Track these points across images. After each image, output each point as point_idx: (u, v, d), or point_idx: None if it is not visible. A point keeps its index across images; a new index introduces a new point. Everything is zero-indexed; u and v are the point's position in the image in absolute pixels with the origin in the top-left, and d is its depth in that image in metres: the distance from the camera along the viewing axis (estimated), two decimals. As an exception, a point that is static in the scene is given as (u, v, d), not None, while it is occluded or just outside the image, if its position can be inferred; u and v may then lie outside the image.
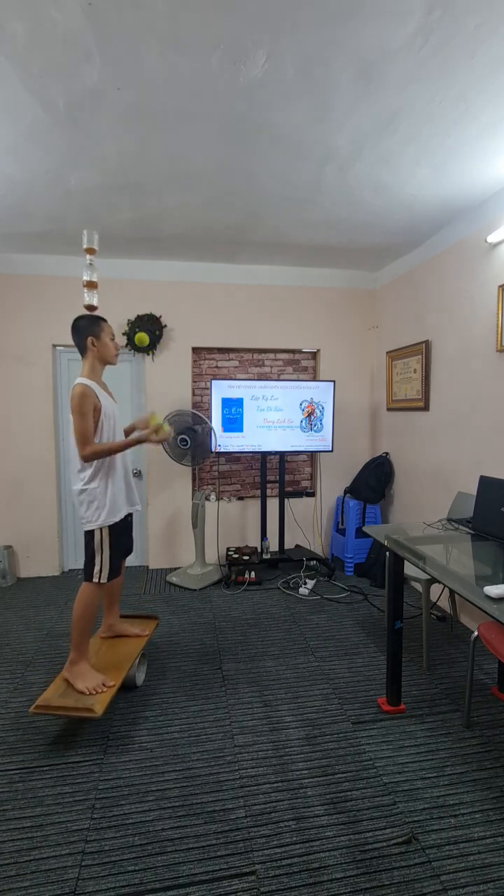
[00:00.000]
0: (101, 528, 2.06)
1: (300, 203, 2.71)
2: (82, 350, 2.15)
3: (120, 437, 2.22)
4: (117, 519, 2.12)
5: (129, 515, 2.30)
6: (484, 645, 1.97)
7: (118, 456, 2.16)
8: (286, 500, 4.02)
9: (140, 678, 2.29)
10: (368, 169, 2.33)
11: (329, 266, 3.89)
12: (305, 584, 3.50)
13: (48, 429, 3.71)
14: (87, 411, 1.98)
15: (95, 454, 1.99)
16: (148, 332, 3.68)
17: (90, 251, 2.19)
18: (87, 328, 2.12)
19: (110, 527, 2.09)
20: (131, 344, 3.69)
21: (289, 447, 3.73)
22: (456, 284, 3.00)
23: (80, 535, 3.80)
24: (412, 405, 3.50)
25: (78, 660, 2.03)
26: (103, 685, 1.98)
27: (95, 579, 2.06)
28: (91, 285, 2.20)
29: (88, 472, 2.06)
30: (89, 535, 2.08)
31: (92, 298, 2.22)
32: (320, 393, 3.72)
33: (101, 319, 2.16)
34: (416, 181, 2.45)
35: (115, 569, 2.15)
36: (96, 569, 2.06)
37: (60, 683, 2.00)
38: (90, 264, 2.19)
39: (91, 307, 2.22)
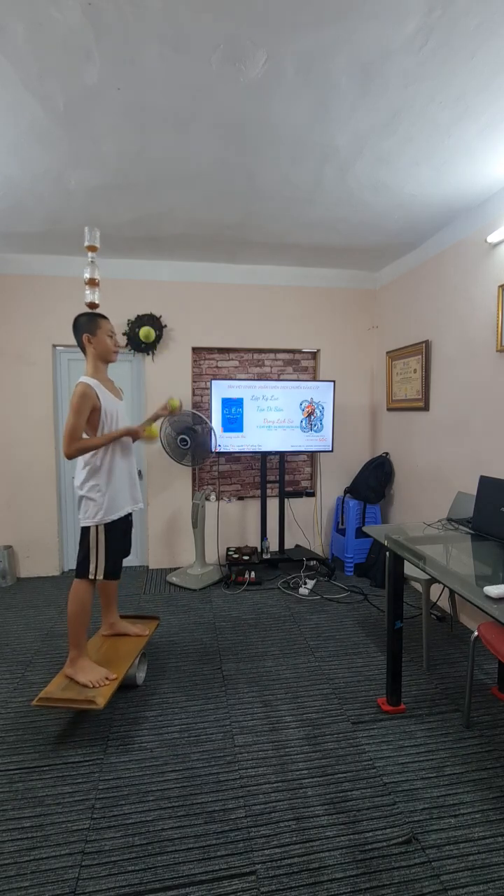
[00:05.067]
0: (96, 526, 2.07)
1: (300, 203, 2.71)
2: (82, 348, 2.15)
3: None
4: (116, 517, 2.12)
5: (130, 515, 2.29)
6: (484, 645, 1.97)
7: (125, 454, 2.17)
8: (286, 500, 4.02)
9: (140, 677, 2.29)
10: (368, 169, 2.33)
11: (329, 266, 3.89)
12: (305, 584, 3.50)
13: (48, 429, 3.71)
14: (83, 410, 1.98)
15: (81, 450, 1.98)
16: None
17: (92, 248, 2.19)
18: (83, 326, 2.12)
19: (107, 525, 2.09)
20: (133, 343, 3.68)
21: (289, 447, 3.72)
22: (456, 284, 3.00)
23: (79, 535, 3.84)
24: (412, 405, 3.50)
25: (78, 656, 2.04)
26: (106, 678, 1.99)
27: (91, 576, 2.05)
28: (92, 283, 2.20)
29: (88, 468, 2.06)
30: (85, 531, 2.09)
31: (93, 296, 2.22)
32: (320, 393, 3.72)
33: (98, 316, 2.15)
34: (416, 181, 2.45)
35: (113, 568, 2.14)
36: (91, 566, 2.06)
37: (63, 679, 2.01)
38: (92, 262, 2.19)
39: (92, 304, 2.22)
